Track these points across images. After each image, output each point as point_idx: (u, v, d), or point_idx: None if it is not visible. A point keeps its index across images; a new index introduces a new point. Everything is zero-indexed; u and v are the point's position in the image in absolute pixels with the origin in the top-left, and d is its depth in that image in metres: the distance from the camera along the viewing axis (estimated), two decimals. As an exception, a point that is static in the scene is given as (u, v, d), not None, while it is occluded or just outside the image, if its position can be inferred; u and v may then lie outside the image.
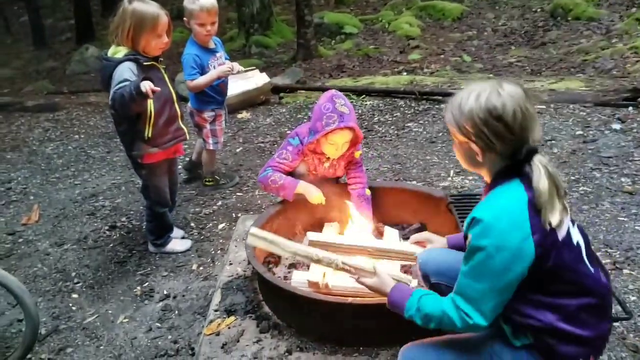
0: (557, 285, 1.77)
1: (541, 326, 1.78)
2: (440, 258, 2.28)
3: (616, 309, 2.76)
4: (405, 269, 3.06)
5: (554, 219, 1.72)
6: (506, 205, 1.75)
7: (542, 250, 1.71)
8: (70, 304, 3.39)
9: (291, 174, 3.46)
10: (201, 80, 4.21)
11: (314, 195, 3.40)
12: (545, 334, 1.79)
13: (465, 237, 1.84)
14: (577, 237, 1.86)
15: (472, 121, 1.80)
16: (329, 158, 3.46)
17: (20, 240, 4.20)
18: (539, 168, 1.74)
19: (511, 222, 1.71)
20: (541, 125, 5.25)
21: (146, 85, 3.00)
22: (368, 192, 3.57)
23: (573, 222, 1.89)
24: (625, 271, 3.19)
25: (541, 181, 1.72)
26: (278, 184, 3.37)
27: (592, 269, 1.85)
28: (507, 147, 1.80)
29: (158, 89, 3.07)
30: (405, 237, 3.50)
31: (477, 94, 1.81)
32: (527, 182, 1.77)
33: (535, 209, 1.73)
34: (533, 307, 1.78)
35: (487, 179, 1.94)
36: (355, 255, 2.95)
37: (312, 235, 2.99)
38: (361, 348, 2.59)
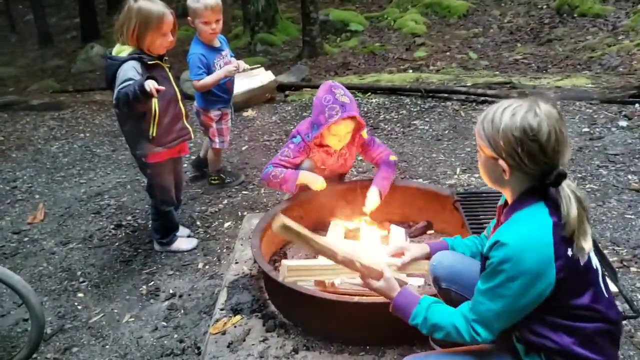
0: (574, 310, 1.75)
1: (556, 348, 1.77)
2: (453, 264, 2.23)
3: (624, 307, 2.78)
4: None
5: (586, 245, 1.71)
6: (531, 230, 1.72)
7: (563, 275, 1.69)
8: (76, 303, 3.39)
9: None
10: (208, 80, 4.20)
11: (317, 182, 3.42)
12: (558, 355, 1.78)
13: (486, 258, 1.80)
14: (595, 261, 1.84)
15: (506, 138, 1.75)
16: (336, 150, 3.50)
17: (26, 239, 4.21)
18: (568, 194, 1.71)
19: (535, 248, 1.69)
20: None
21: (150, 85, 2.99)
22: (393, 157, 3.63)
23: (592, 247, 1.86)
24: (632, 269, 3.17)
25: (572, 209, 1.69)
26: (279, 177, 3.40)
27: (606, 295, 1.83)
28: (537, 169, 1.76)
29: (162, 88, 3.06)
30: (412, 235, 3.50)
31: (512, 111, 1.76)
32: (552, 205, 1.74)
33: (560, 235, 1.70)
34: (550, 329, 1.77)
35: (509, 198, 1.90)
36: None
37: (287, 262, 2.82)
38: (367, 347, 2.58)
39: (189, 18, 4.24)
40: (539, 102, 1.77)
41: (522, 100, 1.79)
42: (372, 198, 3.42)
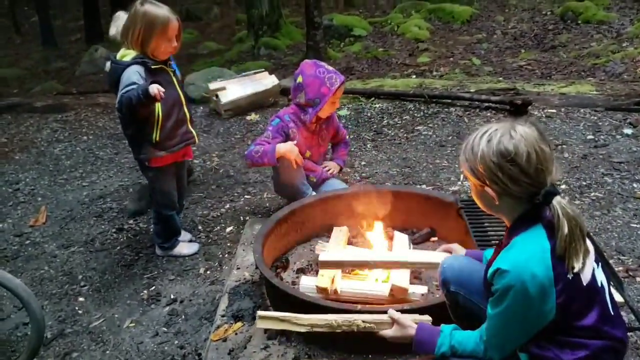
0: (578, 330, 1.75)
1: None
2: (463, 267, 2.22)
3: (629, 317, 2.75)
4: (415, 275, 3.03)
5: (577, 264, 1.70)
6: (530, 254, 1.73)
7: (564, 299, 1.70)
8: (77, 308, 3.37)
9: None
10: None
11: (292, 149, 3.65)
12: None
13: (490, 285, 1.82)
14: (601, 277, 1.84)
15: (485, 165, 1.77)
16: (317, 126, 3.90)
17: (28, 242, 4.19)
18: (559, 212, 1.71)
19: (535, 273, 1.69)
20: (552, 130, 5.27)
21: (154, 89, 2.98)
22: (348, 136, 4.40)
23: (597, 262, 1.87)
24: (638, 279, 3.14)
25: (562, 227, 1.70)
26: (260, 153, 3.64)
27: (612, 312, 1.83)
28: (523, 190, 1.77)
29: (163, 90, 3.07)
30: (415, 242, 3.48)
31: (488, 137, 1.78)
32: (549, 227, 1.75)
33: (558, 257, 1.71)
34: (554, 345, 1.78)
35: (507, 222, 1.90)
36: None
37: (323, 256, 2.93)
38: (370, 356, 2.56)
39: None
40: (515, 125, 1.78)
41: (499, 125, 1.81)
42: (334, 167, 4.14)
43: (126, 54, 3.25)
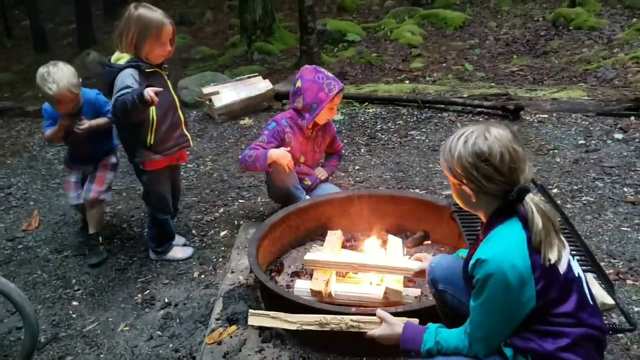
0: (559, 317, 1.83)
1: (543, 353, 1.83)
2: (451, 266, 2.28)
3: (620, 319, 2.78)
4: (409, 278, 3.04)
5: (552, 255, 1.79)
6: (508, 245, 1.82)
7: (542, 285, 1.79)
8: (70, 312, 3.36)
9: None
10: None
11: (284, 154, 3.66)
12: (545, 358, 1.84)
13: (471, 277, 1.90)
14: (577, 268, 1.93)
15: (462, 165, 1.88)
16: (313, 132, 3.91)
17: (20, 246, 4.18)
18: (531, 207, 1.82)
19: (513, 261, 1.78)
20: (544, 135, 5.31)
21: (150, 92, 2.99)
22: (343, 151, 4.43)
23: (573, 255, 1.96)
24: (628, 282, 3.17)
25: (535, 220, 1.80)
26: (253, 157, 3.67)
27: (591, 302, 1.91)
28: (498, 188, 1.88)
29: (161, 89, 3.11)
30: (409, 246, 3.49)
31: (465, 138, 1.90)
32: (524, 220, 1.84)
33: (533, 247, 1.80)
34: (536, 335, 1.85)
35: (484, 219, 2.01)
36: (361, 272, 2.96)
37: (309, 255, 3.00)
38: (364, 358, 2.57)
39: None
40: (489, 127, 1.90)
41: (475, 127, 1.93)
42: (323, 173, 4.16)
43: (120, 58, 3.25)
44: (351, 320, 2.33)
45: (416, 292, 2.85)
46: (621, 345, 2.66)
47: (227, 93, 6.82)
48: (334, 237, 3.34)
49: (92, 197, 3.80)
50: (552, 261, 1.78)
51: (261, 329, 2.74)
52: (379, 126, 6.20)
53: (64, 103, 3.54)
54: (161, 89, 3.12)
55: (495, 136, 1.86)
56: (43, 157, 6.14)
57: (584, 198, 4.18)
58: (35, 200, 5.00)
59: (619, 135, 5.25)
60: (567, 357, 1.81)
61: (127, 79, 3.18)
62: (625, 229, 3.74)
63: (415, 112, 6.43)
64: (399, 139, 5.76)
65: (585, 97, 6.37)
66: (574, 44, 9.44)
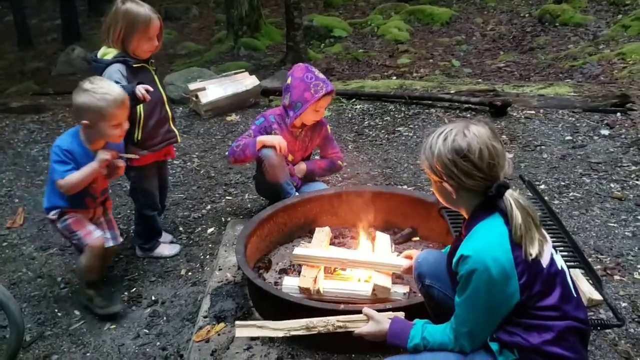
0: (543, 310, 1.85)
1: (529, 346, 1.85)
2: (438, 261, 2.28)
3: (607, 315, 2.79)
4: (397, 275, 3.03)
5: (533, 250, 1.82)
6: (489, 240, 1.85)
7: (526, 279, 1.81)
8: (56, 310, 3.32)
9: None
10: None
11: (275, 139, 3.66)
12: (531, 353, 1.86)
13: (455, 274, 1.93)
14: (560, 262, 1.95)
15: (442, 162, 1.92)
16: (302, 131, 3.85)
17: (5, 244, 4.13)
18: (511, 203, 1.84)
19: (496, 255, 1.81)
20: (531, 130, 5.33)
21: (141, 89, 2.99)
22: (341, 164, 4.12)
23: (556, 249, 1.99)
24: (616, 277, 3.19)
25: (514, 215, 1.83)
26: (241, 146, 3.70)
27: (575, 294, 1.94)
28: (477, 184, 1.91)
29: (151, 88, 3.10)
30: (397, 242, 3.49)
31: (444, 136, 1.93)
32: (505, 216, 1.87)
33: (514, 242, 1.83)
34: (521, 329, 1.87)
35: (465, 215, 2.03)
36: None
37: (297, 250, 3.00)
38: (353, 355, 2.57)
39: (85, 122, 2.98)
40: (469, 125, 1.93)
41: (455, 125, 1.96)
42: (300, 167, 3.95)
43: (107, 53, 3.23)
44: (337, 321, 2.33)
45: (405, 288, 2.84)
46: (609, 341, 2.67)
47: (214, 89, 6.77)
48: (322, 233, 3.33)
49: (120, 242, 3.45)
50: (534, 255, 1.81)
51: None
52: (366, 122, 6.19)
53: (120, 120, 2.97)
54: (151, 89, 3.10)
55: (474, 133, 1.89)
56: (27, 153, 6.06)
57: (571, 194, 4.20)
58: (20, 198, 4.94)
59: (605, 132, 5.28)
60: (553, 351, 1.83)
61: (114, 74, 3.16)
62: (612, 224, 3.76)
63: (403, 109, 6.43)
64: (386, 135, 5.76)
65: (572, 94, 6.41)
66: (560, 40, 9.49)
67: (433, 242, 3.49)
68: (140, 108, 3.24)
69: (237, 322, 2.53)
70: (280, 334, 2.43)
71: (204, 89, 6.75)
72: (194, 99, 6.83)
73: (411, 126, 5.94)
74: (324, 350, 2.59)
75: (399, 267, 2.74)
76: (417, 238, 3.56)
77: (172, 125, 3.51)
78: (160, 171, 3.70)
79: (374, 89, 7.20)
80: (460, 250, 1.89)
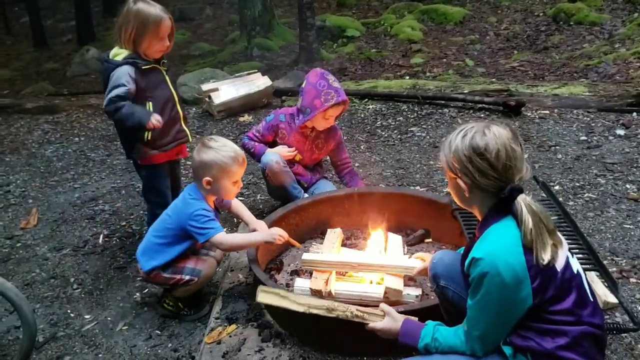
0: (557, 314, 1.83)
1: (542, 351, 1.84)
2: (453, 262, 2.26)
3: (623, 318, 2.75)
4: (409, 277, 3.01)
5: (545, 255, 1.80)
6: (502, 243, 1.84)
7: (539, 283, 1.79)
8: (69, 311, 3.34)
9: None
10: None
11: (284, 150, 3.78)
12: (545, 357, 1.84)
13: (467, 276, 1.92)
14: (576, 265, 1.93)
15: (458, 158, 1.92)
16: (312, 132, 3.85)
17: (19, 244, 4.15)
18: (522, 208, 1.83)
19: (508, 259, 1.80)
20: (545, 131, 5.28)
21: (154, 122, 3.14)
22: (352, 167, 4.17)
23: (572, 253, 1.97)
24: (632, 280, 3.14)
25: (525, 220, 1.82)
26: (252, 150, 3.84)
27: (591, 299, 1.92)
28: (491, 184, 1.90)
29: (161, 121, 3.21)
30: (409, 244, 3.47)
31: (464, 133, 1.93)
32: (518, 219, 1.86)
33: (527, 246, 1.81)
34: (535, 333, 1.85)
35: (478, 216, 2.03)
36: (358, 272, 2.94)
37: (306, 255, 2.97)
38: (365, 358, 2.55)
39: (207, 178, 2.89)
40: (490, 125, 1.93)
41: (476, 124, 1.96)
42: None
43: (119, 53, 3.23)
44: (357, 309, 2.36)
45: (417, 291, 2.82)
46: (625, 345, 2.63)
47: (226, 90, 6.79)
48: (334, 235, 3.31)
49: None
50: (546, 261, 1.79)
51: (260, 328, 2.73)
52: (379, 122, 6.17)
53: (239, 177, 3.00)
54: (161, 121, 3.21)
55: (494, 133, 1.88)
56: (42, 154, 6.10)
57: (586, 195, 4.16)
58: (34, 198, 4.97)
59: (620, 132, 5.22)
60: (567, 356, 1.82)
61: (123, 76, 3.16)
62: (628, 226, 3.71)
63: (416, 109, 6.40)
64: (399, 136, 5.73)
65: (587, 93, 6.34)
66: (575, 39, 9.40)
67: (446, 243, 3.46)
68: (150, 108, 3.25)
69: (260, 287, 2.55)
70: (301, 309, 2.44)
71: (216, 89, 6.77)
72: (206, 99, 6.85)
73: (424, 126, 5.90)
74: (335, 352, 2.57)
75: (411, 270, 2.72)
76: (430, 240, 3.53)
77: (183, 125, 3.51)
78: (173, 171, 3.69)
79: (387, 89, 7.17)
80: (472, 252, 1.88)
